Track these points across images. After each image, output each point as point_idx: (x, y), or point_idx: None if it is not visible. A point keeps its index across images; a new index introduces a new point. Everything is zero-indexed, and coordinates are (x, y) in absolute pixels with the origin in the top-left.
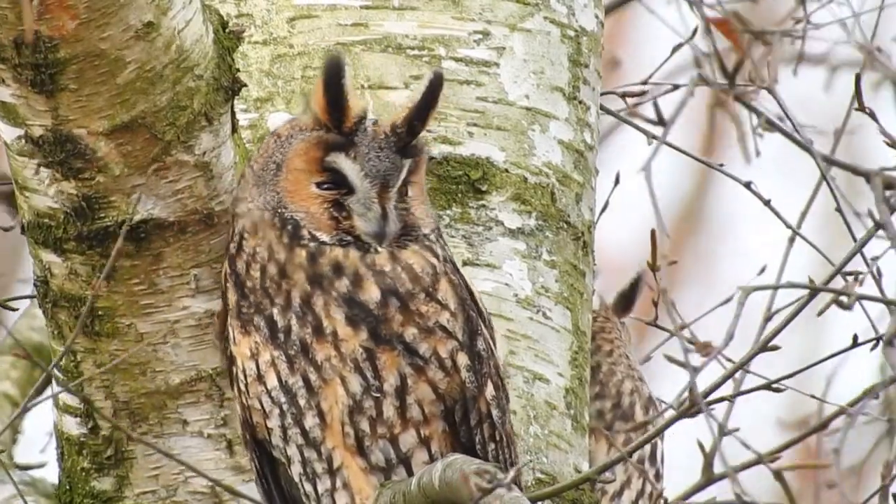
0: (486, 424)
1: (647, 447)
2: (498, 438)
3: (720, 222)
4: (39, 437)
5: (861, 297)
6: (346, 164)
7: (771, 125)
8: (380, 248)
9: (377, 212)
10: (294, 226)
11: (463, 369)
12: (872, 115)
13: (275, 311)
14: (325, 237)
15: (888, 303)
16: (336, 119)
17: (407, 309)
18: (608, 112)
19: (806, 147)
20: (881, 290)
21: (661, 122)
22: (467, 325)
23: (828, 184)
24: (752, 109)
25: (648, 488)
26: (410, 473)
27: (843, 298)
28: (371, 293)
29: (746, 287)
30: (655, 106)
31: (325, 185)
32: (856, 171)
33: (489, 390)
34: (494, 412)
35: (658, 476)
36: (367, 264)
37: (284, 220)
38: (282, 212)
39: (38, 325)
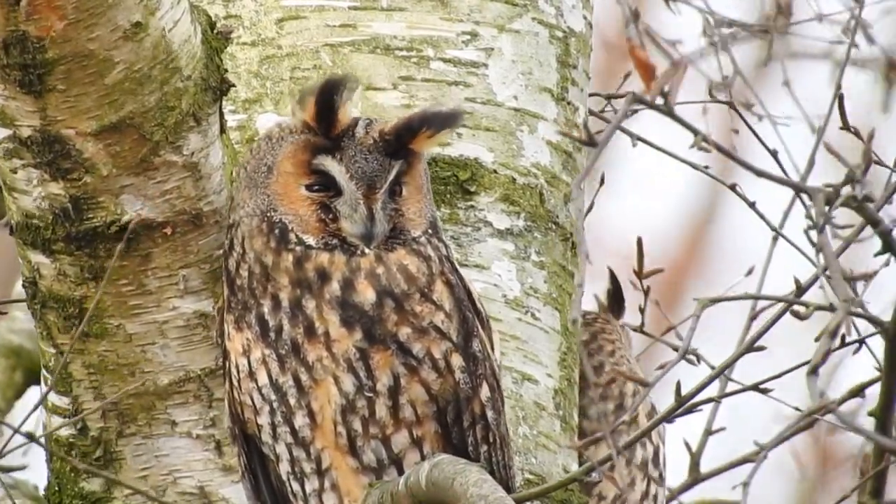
0: (479, 426)
1: (650, 449)
2: (492, 440)
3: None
4: (21, 439)
5: (819, 308)
6: (332, 166)
7: (707, 142)
8: (367, 251)
9: (363, 213)
10: (282, 230)
11: (457, 370)
12: (857, 134)
13: (265, 310)
14: (311, 240)
15: (860, 315)
16: (324, 128)
17: (402, 309)
18: (594, 114)
19: (739, 161)
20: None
21: (591, 142)
22: (463, 327)
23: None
24: (687, 127)
25: (653, 490)
26: (402, 474)
27: (801, 309)
28: (366, 295)
29: (703, 299)
30: (585, 128)
31: (315, 188)
32: (798, 188)
33: (484, 392)
34: (489, 413)
35: (661, 478)
36: (352, 268)
37: (272, 224)
38: (271, 215)
39: (18, 326)
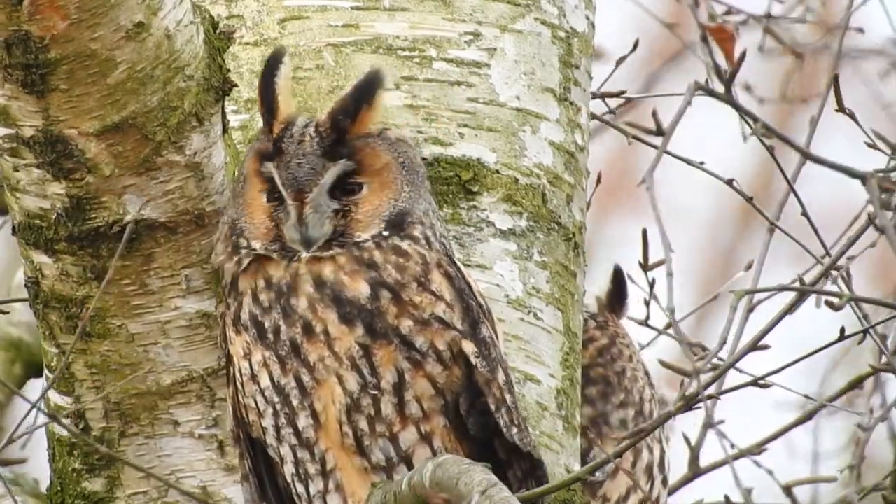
0: (504, 409)
1: (657, 454)
2: (517, 423)
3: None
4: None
5: (853, 299)
6: (274, 172)
7: (768, 129)
8: (303, 255)
9: (294, 218)
10: (238, 236)
11: (471, 356)
12: (852, 116)
13: (257, 312)
14: (258, 246)
15: (880, 304)
16: (268, 122)
17: (400, 300)
18: (594, 116)
19: (797, 147)
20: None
21: (659, 132)
22: (467, 315)
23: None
24: (747, 114)
25: (656, 492)
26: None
27: (834, 299)
28: (360, 288)
29: (739, 291)
30: (654, 116)
31: (275, 195)
32: (851, 173)
33: (500, 376)
34: (507, 397)
35: (665, 482)
36: (292, 274)
37: (235, 232)
38: (237, 223)
39: (17, 319)
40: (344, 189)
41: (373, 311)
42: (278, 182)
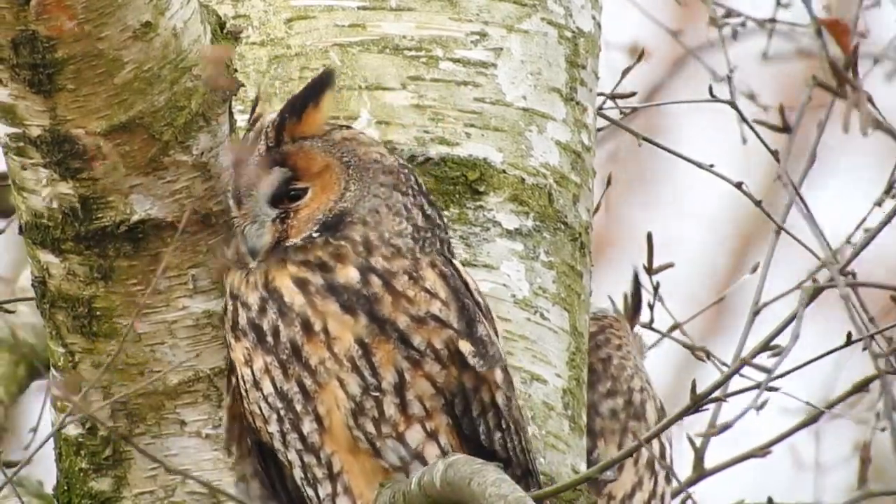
0: (491, 413)
1: (656, 448)
2: (504, 427)
3: None
4: (24, 434)
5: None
6: (229, 181)
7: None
8: (251, 265)
9: (236, 229)
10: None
11: (468, 356)
12: (870, 100)
13: (253, 315)
14: (227, 255)
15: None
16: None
17: (392, 288)
18: (604, 117)
19: None
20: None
21: (786, 129)
22: (463, 314)
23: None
24: (874, 107)
25: (660, 490)
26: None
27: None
28: (350, 274)
29: (807, 287)
30: (781, 112)
31: None
32: None
33: (498, 375)
34: (500, 399)
35: (668, 478)
36: (247, 283)
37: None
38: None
39: (21, 321)
40: (290, 195)
41: (370, 297)
42: (228, 192)
